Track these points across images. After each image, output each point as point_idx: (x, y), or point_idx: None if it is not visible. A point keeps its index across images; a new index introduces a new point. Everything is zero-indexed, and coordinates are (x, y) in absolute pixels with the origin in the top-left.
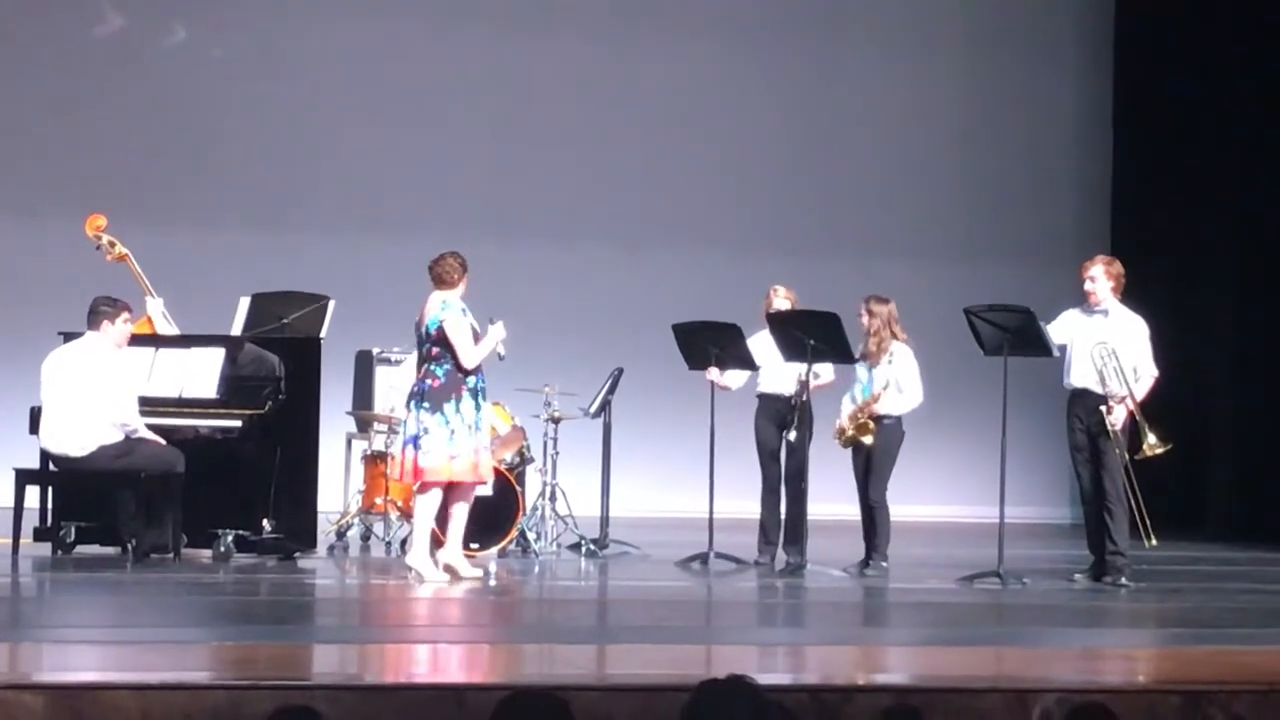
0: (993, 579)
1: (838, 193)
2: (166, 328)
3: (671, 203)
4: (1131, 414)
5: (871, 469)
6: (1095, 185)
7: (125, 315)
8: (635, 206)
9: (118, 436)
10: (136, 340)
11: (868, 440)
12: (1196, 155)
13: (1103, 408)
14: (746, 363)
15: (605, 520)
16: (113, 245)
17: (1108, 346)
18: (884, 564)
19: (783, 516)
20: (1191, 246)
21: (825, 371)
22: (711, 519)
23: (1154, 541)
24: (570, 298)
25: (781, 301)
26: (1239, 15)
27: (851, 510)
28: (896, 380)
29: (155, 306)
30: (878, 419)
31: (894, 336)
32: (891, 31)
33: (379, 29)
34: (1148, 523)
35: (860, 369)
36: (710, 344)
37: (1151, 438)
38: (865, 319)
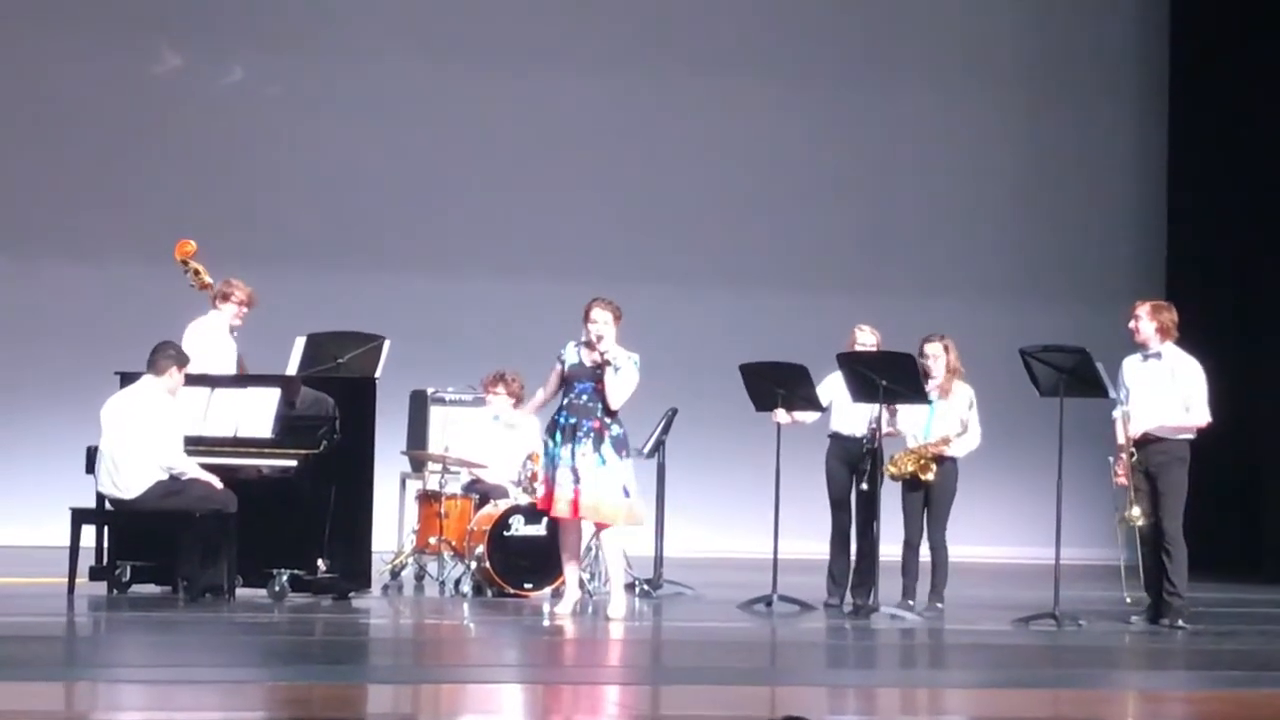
0: (1049, 620)
1: (894, 231)
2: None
3: (725, 241)
4: (1124, 484)
5: (933, 510)
6: (1151, 225)
7: (188, 366)
8: (688, 246)
9: (164, 477)
10: (191, 380)
11: (928, 478)
12: (1252, 196)
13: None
14: (813, 404)
15: (659, 560)
16: (199, 273)
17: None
18: (939, 605)
19: (851, 559)
20: (1247, 288)
21: (901, 420)
22: (776, 560)
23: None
24: (624, 336)
25: (867, 337)
26: None
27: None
28: (964, 421)
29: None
30: (939, 459)
31: (957, 376)
32: (947, 72)
33: (434, 69)
34: None
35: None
36: (776, 385)
37: (1135, 510)
38: (946, 358)
